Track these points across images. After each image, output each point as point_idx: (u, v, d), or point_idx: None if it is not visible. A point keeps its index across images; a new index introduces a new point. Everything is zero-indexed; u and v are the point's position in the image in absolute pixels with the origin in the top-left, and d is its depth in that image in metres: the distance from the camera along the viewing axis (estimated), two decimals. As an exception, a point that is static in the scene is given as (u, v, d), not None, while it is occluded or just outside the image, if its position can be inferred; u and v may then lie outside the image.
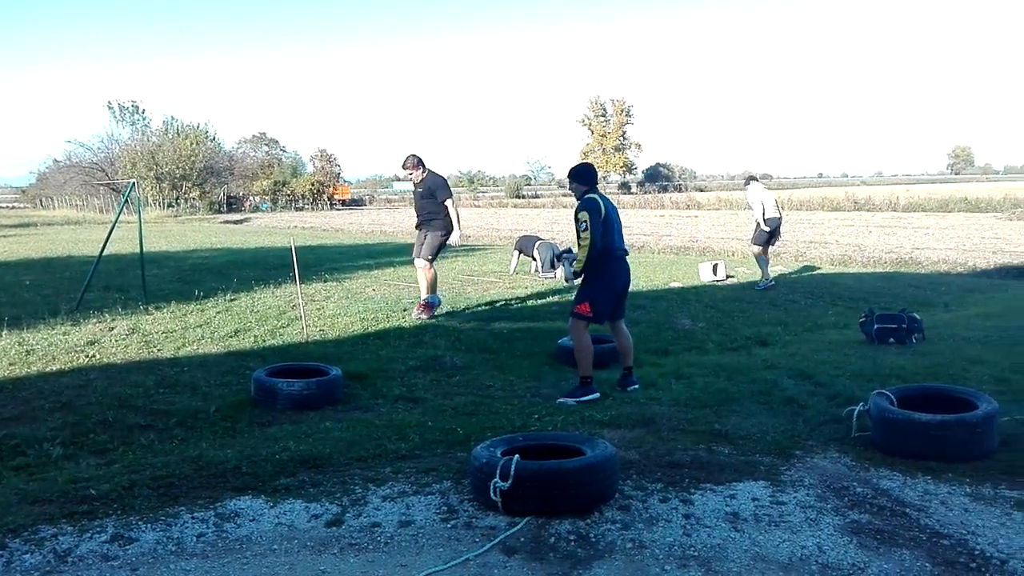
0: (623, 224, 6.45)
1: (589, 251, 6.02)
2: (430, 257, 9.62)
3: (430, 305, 9.64)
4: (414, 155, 9.50)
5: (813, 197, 45.55)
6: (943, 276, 15.00)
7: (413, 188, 9.90)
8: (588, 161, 6.38)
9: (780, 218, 13.06)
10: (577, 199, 6.23)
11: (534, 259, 14.44)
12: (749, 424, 5.27)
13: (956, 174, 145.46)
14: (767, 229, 12.79)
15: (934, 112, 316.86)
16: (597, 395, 6.10)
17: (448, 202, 9.50)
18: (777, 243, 13.83)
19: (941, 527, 3.61)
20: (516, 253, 15.03)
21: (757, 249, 13.18)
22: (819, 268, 16.55)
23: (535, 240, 14.63)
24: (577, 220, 6.08)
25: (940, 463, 4.37)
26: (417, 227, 9.85)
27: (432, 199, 9.51)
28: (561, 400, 6.03)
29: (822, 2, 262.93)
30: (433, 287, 9.79)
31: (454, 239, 9.68)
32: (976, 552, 3.35)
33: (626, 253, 6.35)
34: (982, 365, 6.79)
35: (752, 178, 13.61)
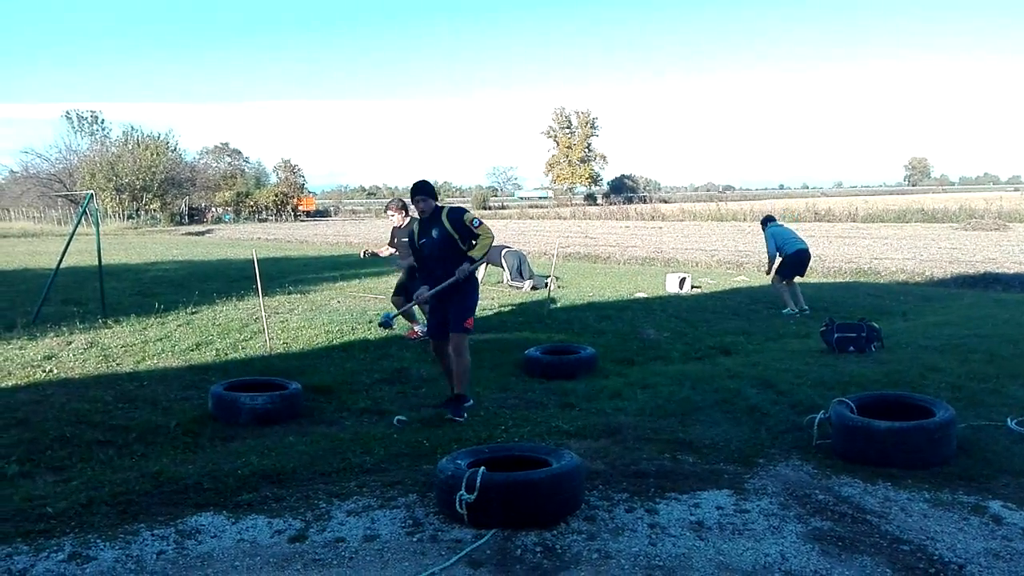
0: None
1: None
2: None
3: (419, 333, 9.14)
4: (400, 199, 9.17)
5: (775, 208, 46.03)
6: (901, 286, 15.29)
7: (393, 235, 9.29)
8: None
9: (804, 248, 11.67)
10: (426, 212, 6.03)
11: (502, 268, 14.43)
12: (713, 433, 5.32)
13: (913, 185, 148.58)
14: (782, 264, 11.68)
15: (891, 124, 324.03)
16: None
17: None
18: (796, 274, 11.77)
19: (901, 533, 3.67)
20: (483, 263, 14.98)
21: (776, 278, 11.85)
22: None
23: (502, 249, 14.61)
24: (467, 221, 5.94)
25: (899, 469, 4.45)
26: (408, 275, 8.97)
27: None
28: (452, 416, 5.85)
29: (783, 16, 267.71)
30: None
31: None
32: (935, 557, 3.41)
33: None
34: (939, 373, 6.93)
35: (768, 219, 12.28)
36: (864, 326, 8.26)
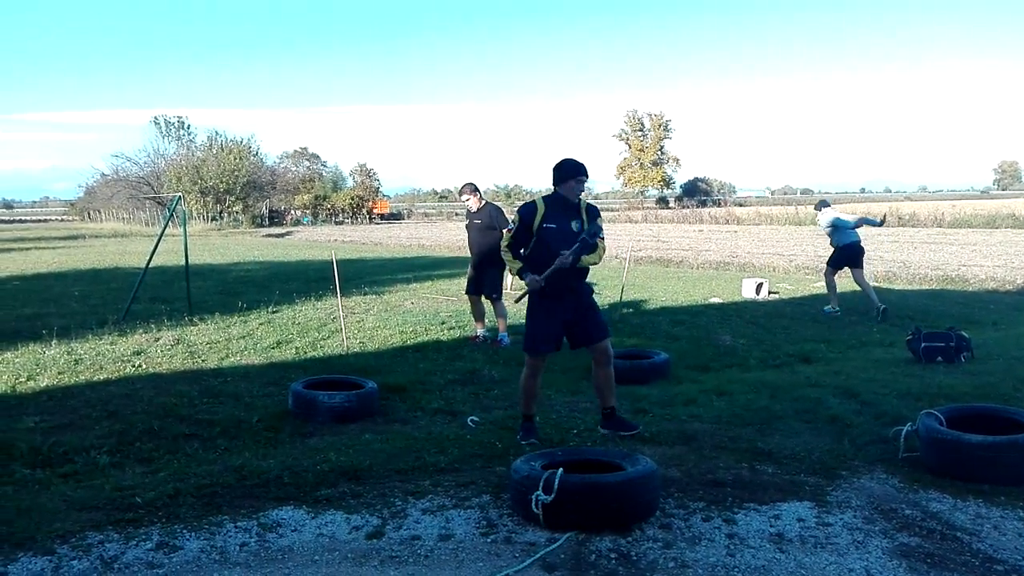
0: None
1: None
2: (495, 295, 9.17)
3: (499, 341, 9.15)
4: (471, 183, 9.20)
5: (856, 212, 44.85)
6: (991, 294, 14.64)
7: (467, 217, 9.44)
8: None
9: (856, 241, 11.74)
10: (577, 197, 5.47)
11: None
12: (793, 443, 5.18)
13: (1003, 189, 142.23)
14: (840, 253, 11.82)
15: (979, 125, 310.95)
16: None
17: (506, 231, 9.15)
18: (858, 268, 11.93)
19: (994, 552, 3.51)
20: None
21: (828, 270, 12.10)
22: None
23: None
24: (599, 226, 5.50)
25: (992, 486, 4.26)
26: (474, 265, 9.24)
27: (492, 231, 8.88)
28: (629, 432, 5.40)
29: (866, 16, 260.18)
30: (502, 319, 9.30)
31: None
32: (1032, 579, 3.25)
33: None
34: (1035, 385, 6.60)
35: (823, 203, 12.47)
36: (953, 335, 7.92)
